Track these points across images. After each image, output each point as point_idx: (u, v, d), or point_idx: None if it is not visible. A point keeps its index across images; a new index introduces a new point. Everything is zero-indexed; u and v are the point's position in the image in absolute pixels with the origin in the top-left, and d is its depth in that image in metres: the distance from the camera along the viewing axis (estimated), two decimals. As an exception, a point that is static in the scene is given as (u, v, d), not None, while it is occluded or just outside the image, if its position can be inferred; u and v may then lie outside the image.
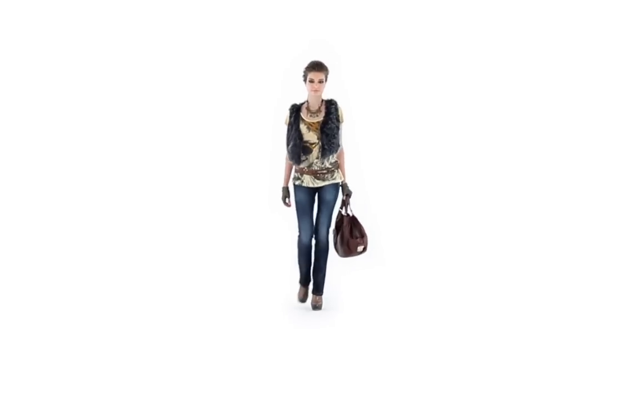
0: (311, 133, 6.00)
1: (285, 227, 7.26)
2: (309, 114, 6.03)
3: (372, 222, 6.38)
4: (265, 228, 8.28)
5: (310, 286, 6.32)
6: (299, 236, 6.17)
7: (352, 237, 6.05)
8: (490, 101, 9.53)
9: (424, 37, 9.51)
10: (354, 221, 6.12)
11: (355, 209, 6.19)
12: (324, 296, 6.30)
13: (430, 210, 8.91)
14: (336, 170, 6.11)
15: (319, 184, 6.08)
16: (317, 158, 6.01)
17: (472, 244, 7.98)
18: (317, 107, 6.02)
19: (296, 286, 6.46)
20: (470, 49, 9.51)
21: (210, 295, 6.53)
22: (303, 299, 6.38)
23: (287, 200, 6.19)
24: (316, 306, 6.25)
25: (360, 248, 6.09)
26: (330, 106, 6.02)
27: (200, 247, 7.90)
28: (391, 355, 5.21)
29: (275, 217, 7.69)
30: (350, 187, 6.16)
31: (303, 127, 6.00)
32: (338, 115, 6.03)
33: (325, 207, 6.10)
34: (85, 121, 9.41)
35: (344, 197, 6.13)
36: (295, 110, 6.06)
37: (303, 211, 6.10)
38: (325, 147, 5.96)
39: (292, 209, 6.20)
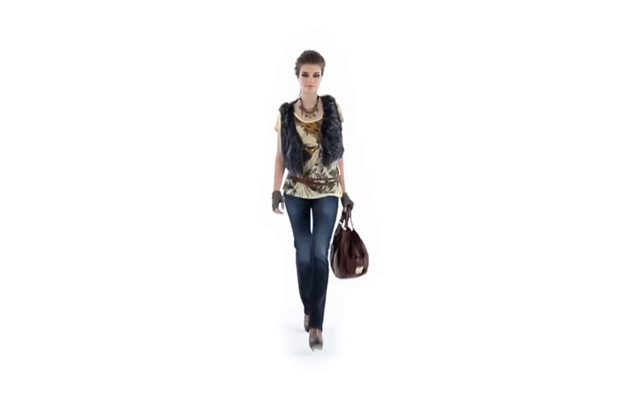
0: (309, 136, 5.22)
1: (277, 242, 6.66)
2: (304, 114, 5.25)
3: (376, 234, 5.74)
4: (255, 241, 7.67)
5: None
6: (297, 255, 5.32)
7: (350, 256, 5.28)
8: (511, 95, 8.94)
9: (434, 27, 8.85)
10: (354, 237, 5.34)
11: (358, 221, 5.47)
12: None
13: (442, 223, 8.25)
14: (336, 183, 5.34)
15: (314, 195, 5.29)
16: (317, 164, 5.24)
17: (490, 258, 7.43)
18: (312, 106, 5.25)
19: (290, 305, 5.90)
20: (487, 39, 8.90)
21: (196, 314, 5.98)
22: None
23: (279, 205, 5.32)
24: (316, 342, 5.18)
25: (359, 270, 5.30)
26: (329, 103, 5.25)
27: (182, 261, 7.37)
28: (399, 385, 4.65)
29: (267, 231, 7.12)
30: (352, 197, 5.43)
31: (300, 130, 5.23)
32: (339, 114, 5.29)
33: (324, 221, 5.23)
34: (68, 119, 8.88)
35: (345, 208, 5.37)
36: (288, 110, 5.28)
37: (299, 227, 5.30)
38: (329, 151, 5.18)
39: (285, 219, 5.42)
